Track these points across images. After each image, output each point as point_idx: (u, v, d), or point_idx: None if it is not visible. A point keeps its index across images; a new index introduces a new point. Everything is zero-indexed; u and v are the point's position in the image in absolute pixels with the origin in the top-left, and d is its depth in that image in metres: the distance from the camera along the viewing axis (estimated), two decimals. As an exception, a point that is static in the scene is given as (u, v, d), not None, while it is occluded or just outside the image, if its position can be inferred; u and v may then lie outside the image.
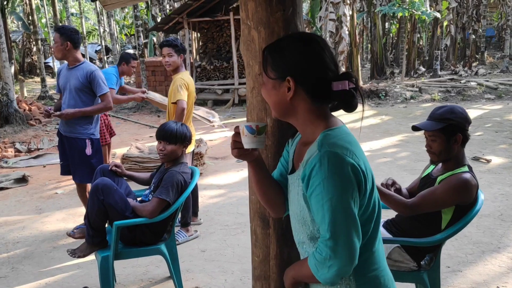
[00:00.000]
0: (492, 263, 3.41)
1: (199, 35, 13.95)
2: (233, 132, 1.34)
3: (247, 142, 1.27)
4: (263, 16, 1.40)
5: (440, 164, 2.41)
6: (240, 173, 6.14)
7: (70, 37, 3.88)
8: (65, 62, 4.09)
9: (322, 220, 1.15)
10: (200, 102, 11.82)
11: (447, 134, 2.25)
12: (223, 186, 5.60)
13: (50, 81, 16.47)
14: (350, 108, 1.26)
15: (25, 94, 15.01)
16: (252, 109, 1.57)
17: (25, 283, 3.44)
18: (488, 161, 6.09)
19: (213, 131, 9.13)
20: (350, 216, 1.14)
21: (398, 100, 12.14)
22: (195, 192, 4.34)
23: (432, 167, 2.49)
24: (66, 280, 3.44)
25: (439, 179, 2.30)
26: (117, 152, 7.33)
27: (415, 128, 2.36)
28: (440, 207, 2.21)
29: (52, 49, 4.02)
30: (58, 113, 3.90)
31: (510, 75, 15.39)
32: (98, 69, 4.05)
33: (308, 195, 1.19)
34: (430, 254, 2.44)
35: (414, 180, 2.65)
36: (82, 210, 4.20)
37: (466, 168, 2.27)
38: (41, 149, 8.16)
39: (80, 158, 3.96)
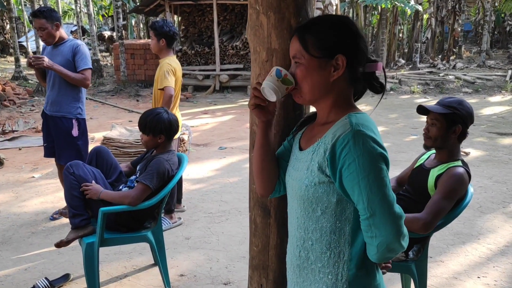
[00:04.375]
0: (473, 253, 3.49)
1: (180, 18, 13.71)
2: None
3: (269, 81, 1.26)
4: (274, 1, 1.35)
5: (433, 155, 2.42)
6: (223, 160, 6.10)
7: (56, 17, 3.79)
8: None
9: (359, 198, 1.14)
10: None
11: (448, 121, 2.26)
12: (206, 174, 5.55)
13: (24, 61, 15.94)
14: (379, 89, 1.31)
15: (-2, 73, 14.52)
16: (257, 96, 1.52)
17: (4, 268, 3.34)
18: (467, 153, 6.21)
19: (195, 117, 9.04)
20: (388, 191, 1.14)
21: (378, 91, 12.25)
22: (179, 179, 4.27)
23: (424, 157, 2.50)
24: (47, 266, 3.36)
25: (432, 172, 2.31)
26: (95, 136, 7.17)
27: (420, 109, 2.35)
28: (448, 209, 2.23)
29: (41, 36, 3.84)
30: (38, 55, 3.75)
31: (486, 69, 15.71)
32: (84, 44, 3.94)
33: (338, 174, 1.17)
34: (418, 245, 2.47)
35: (404, 170, 2.66)
36: (62, 194, 4.09)
37: (459, 163, 2.29)
38: (16, 131, 7.92)
39: (66, 140, 3.85)
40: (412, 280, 2.57)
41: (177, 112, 4.09)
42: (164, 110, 2.99)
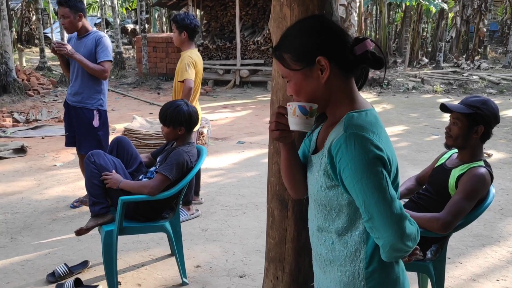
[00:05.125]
0: (492, 256, 3.43)
1: (202, 13, 13.74)
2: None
3: (296, 123, 1.21)
4: (297, -7, 1.35)
5: (455, 155, 2.38)
6: (241, 154, 6.12)
7: (80, 8, 3.84)
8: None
9: (357, 202, 1.14)
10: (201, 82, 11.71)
11: (470, 121, 2.22)
12: (224, 167, 5.58)
13: (49, 52, 16.24)
14: (380, 64, 1.25)
15: (24, 64, 14.80)
16: (279, 89, 1.52)
17: (24, 253, 3.42)
18: (489, 155, 6.09)
19: (215, 112, 9.08)
20: (385, 194, 1.12)
21: (400, 90, 12.10)
22: (197, 172, 4.30)
23: (446, 157, 2.46)
24: (66, 252, 3.43)
25: (453, 171, 2.28)
26: (116, 127, 7.26)
27: (443, 107, 2.31)
28: (468, 210, 2.20)
29: (63, 24, 3.92)
30: (62, 41, 3.88)
31: (512, 70, 15.35)
32: (107, 36, 3.99)
33: (339, 177, 1.17)
34: (436, 245, 2.44)
35: (424, 169, 2.63)
36: (82, 183, 4.16)
37: (482, 163, 2.25)
38: (40, 120, 8.07)
39: (87, 130, 3.92)
40: (429, 280, 2.54)
41: (197, 105, 4.11)
42: (184, 102, 3.01)
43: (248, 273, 3.14)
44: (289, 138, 1.30)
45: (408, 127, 7.93)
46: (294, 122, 1.21)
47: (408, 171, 4.97)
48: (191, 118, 2.98)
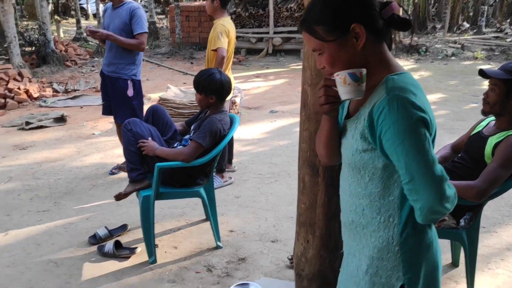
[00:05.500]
0: (529, 226, 3.37)
1: (235, -20, 13.54)
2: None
3: (349, 91, 1.17)
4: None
5: (492, 123, 2.32)
6: (274, 123, 6.14)
7: None
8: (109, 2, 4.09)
9: (399, 164, 1.14)
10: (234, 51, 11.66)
11: (508, 87, 2.16)
12: (257, 136, 5.62)
13: (85, 23, 16.50)
14: (407, 25, 1.23)
15: (61, 35, 15.11)
16: (310, 55, 1.52)
17: (67, 217, 3.61)
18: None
19: (247, 81, 9.07)
20: (427, 155, 1.12)
21: (439, 57, 11.68)
22: (230, 140, 4.36)
23: (483, 124, 2.41)
24: (106, 216, 3.59)
25: (490, 139, 2.23)
26: (151, 97, 7.39)
27: (481, 73, 2.25)
28: (505, 178, 2.15)
29: None
30: (94, 29, 3.99)
31: (560, 35, 14.49)
32: (141, 7, 4.03)
33: (377, 140, 1.17)
34: (470, 213, 2.42)
35: (460, 137, 2.58)
36: (120, 151, 4.30)
37: None
38: (78, 90, 8.30)
39: (122, 99, 4.02)
40: (462, 248, 2.54)
41: (230, 73, 4.13)
42: (218, 71, 3.03)
43: (280, 238, 3.21)
44: (337, 110, 1.30)
45: (446, 95, 7.71)
46: (346, 91, 1.18)
47: (444, 140, 4.86)
48: (223, 88, 3.00)
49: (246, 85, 8.60)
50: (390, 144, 1.13)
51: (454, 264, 2.82)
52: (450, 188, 1.15)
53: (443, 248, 2.93)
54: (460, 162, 2.40)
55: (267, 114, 6.62)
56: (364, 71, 1.18)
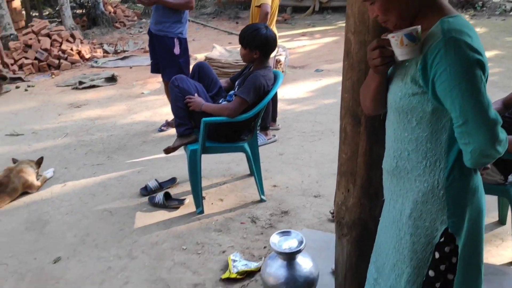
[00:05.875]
0: None
1: None
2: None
3: (407, 52, 1.15)
4: None
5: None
6: (319, 82, 6.08)
7: None
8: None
9: (452, 107, 1.13)
10: (278, 9, 11.44)
11: None
12: (302, 95, 5.60)
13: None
14: None
15: (109, -3, 15.35)
16: (354, 2, 1.49)
17: (120, 170, 3.81)
18: None
19: (293, 40, 8.95)
20: (482, 97, 1.11)
21: (496, 12, 10.97)
22: (274, 98, 4.39)
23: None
24: (156, 170, 3.76)
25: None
26: (197, 57, 7.46)
27: None
28: None
29: None
30: None
31: None
32: None
33: (430, 83, 1.16)
34: (519, 169, 2.35)
35: (512, 92, 2.48)
36: (168, 109, 4.43)
37: None
38: (127, 51, 8.51)
39: (169, 57, 4.11)
40: (510, 205, 2.49)
41: (274, 30, 4.10)
42: (264, 26, 3.03)
43: (322, 193, 3.26)
44: (387, 69, 1.29)
45: (502, 52, 7.29)
46: (404, 53, 1.16)
47: (498, 98, 4.67)
48: (268, 43, 3.00)
49: (291, 44, 8.48)
50: (445, 86, 1.12)
51: (501, 222, 2.77)
52: (502, 132, 1.14)
53: (490, 206, 2.88)
54: (510, 117, 2.32)
55: (312, 73, 6.55)
56: (419, 28, 1.15)
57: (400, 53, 1.17)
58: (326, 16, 11.58)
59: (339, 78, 6.43)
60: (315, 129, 4.49)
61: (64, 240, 2.88)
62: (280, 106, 4.87)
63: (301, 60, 7.31)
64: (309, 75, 6.44)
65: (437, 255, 1.24)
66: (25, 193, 3.48)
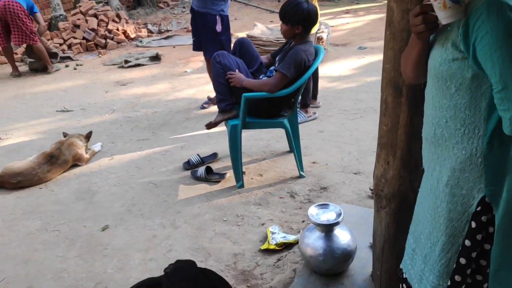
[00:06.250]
0: None
1: None
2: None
3: (450, 15, 1.13)
4: None
5: None
6: (362, 60, 5.97)
7: None
8: None
9: (492, 72, 1.11)
10: (322, -13, 11.21)
11: None
12: (343, 73, 5.53)
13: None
14: None
15: (153, -22, 15.54)
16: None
17: (164, 145, 3.93)
18: None
19: (336, 17, 8.78)
20: None
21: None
22: (315, 75, 4.36)
23: None
24: (198, 146, 3.85)
25: None
26: (239, 35, 7.48)
27: None
28: None
29: None
30: None
31: None
32: None
33: (471, 48, 1.14)
34: None
35: None
36: (210, 87, 4.50)
37: None
38: (170, 30, 8.65)
39: (211, 34, 4.16)
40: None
41: (316, 4, 4.04)
42: (304, 1, 3.00)
43: (362, 171, 3.25)
44: (430, 34, 1.26)
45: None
46: (447, 16, 1.14)
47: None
48: (310, 17, 2.98)
49: (334, 21, 8.34)
50: (486, 50, 1.10)
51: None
52: None
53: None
54: None
55: (355, 51, 6.43)
56: None
57: (443, 16, 1.14)
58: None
59: (382, 56, 6.32)
60: (357, 107, 4.44)
61: (111, 209, 3.03)
62: (321, 83, 4.84)
63: (343, 38, 7.18)
64: (352, 53, 6.33)
65: (473, 224, 1.23)
66: (75, 165, 3.66)
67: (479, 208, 1.22)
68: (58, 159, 3.52)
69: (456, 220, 1.26)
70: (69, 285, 2.37)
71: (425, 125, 1.35)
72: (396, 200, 1.71)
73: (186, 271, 1.68)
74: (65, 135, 3.86)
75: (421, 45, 1.29)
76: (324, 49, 5.85)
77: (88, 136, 3.87)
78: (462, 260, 1.26)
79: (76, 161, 3.66)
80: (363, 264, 2.21)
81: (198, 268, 1.75)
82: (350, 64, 5.81)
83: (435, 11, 1.16)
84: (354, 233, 2.23)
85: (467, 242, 1.25)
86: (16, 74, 6.52)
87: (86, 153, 3.75)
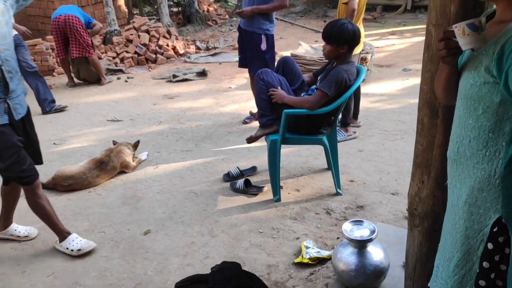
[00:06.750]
0: None
1: None
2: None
3: (469, 42, 1.19)
4: None
5: None
6: (405, 82, 5.95)
7: None
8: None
9: None
10: (369, 7, 11.25)
11: None
12: (386, 94, 5.53)
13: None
14: None
15: (203, -4, 16.07)
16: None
17: (206, 157, 4.07)
18: None
19: (381, 38, 8.78)
20: None
21: None
22: (357, 95, 4.40)
23: None
24: (239, 159, 3.97)
25: None
26: (283, 54, 7.62)
27: None
28: None
29: None
30: (238, 11, 4.30)
31: None
32: None
33: (503, 75, 1.16)
34: None
35: None
36: (253, 103, 4.63)
37: None
38: (217, 47, 8.92)
39: (256, 52, 4.31)
40: None
41: (360, 27, 4.11)
42: (348, 21, 3.07)
43: (400, 191, 3.25)
44: (457, 58, 1.32)
45: None
46: (466, 42, 1.20)
47: None
48: (355, 37, 3.04)
49: (380, 42, 8.34)
50: None
51: None
52: None
53: None
54: None
55: (399, 72, 6.42)
56: (483, 19, 1.18)
57: (463, 43, 1.20)
58: (418, 15, 11.18)
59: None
60: (398, 128, 4.43)
61: (154, 215, 3.18)
62: (363, 103, 4.87)
63: (388, 59, 7.18)
64: (396, 74, 6.32)
65: (490, 245, 1.26)
66: (122, 172, 3.86)
67: (496, 229, 1.24)
68: (107, 165, 3.73)
69: (472, 237, 1.29)
70: (111, 284, 2.51)
71: (450, 142, 1.39)
72: (429, 219, 1.74)
73: (231, 271, 1.78)
74: (114, 143, 4.07)
75: (448, 69, 1.34)
76: (368, 69, 5.89)
77: (135, 145, 4.08)
78: (482, 282, 1.28)
79: (124, 168, 3.86)
80: (395, 283, 2.22)
81: (243, 271, 1.84)
82: (393, 85, 5.81)
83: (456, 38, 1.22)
84: (388, 251, 2.25)
85: (485, 264, 1.27)
86: (72, 84, 6.93)
87: (133, 161, 3.94)
